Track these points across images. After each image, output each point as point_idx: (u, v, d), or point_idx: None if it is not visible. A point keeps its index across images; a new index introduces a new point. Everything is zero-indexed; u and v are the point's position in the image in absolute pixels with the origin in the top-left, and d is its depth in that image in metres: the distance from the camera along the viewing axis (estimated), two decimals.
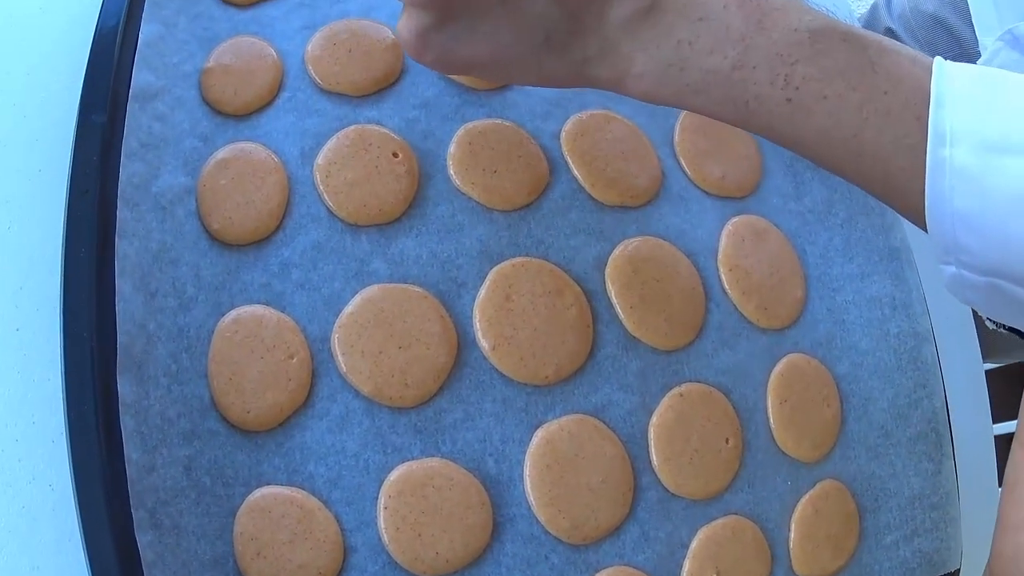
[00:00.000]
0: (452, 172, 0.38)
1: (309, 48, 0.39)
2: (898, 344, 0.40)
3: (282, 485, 0.32)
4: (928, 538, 0.39)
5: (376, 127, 0.38)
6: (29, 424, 0.33)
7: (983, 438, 0.42)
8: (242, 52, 0.38)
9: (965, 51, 0.59)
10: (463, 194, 0.37)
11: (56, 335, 0.31)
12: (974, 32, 0.56)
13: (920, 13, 0.63)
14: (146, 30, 0.37)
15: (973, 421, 0.42)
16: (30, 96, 0.38)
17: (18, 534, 0.31)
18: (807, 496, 0.38)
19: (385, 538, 0.32)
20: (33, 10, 0.40)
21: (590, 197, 0.39)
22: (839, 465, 0.39)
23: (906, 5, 0.65)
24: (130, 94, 0.35)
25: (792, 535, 0.37)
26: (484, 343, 0.35)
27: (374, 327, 0.34)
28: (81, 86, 0.35)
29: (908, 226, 0.42)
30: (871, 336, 0.40)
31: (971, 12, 0.56)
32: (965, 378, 0.43)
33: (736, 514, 0.36)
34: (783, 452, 0.38)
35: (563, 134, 0.40)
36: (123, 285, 0.32)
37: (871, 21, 0.68)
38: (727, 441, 0.37)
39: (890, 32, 0.65)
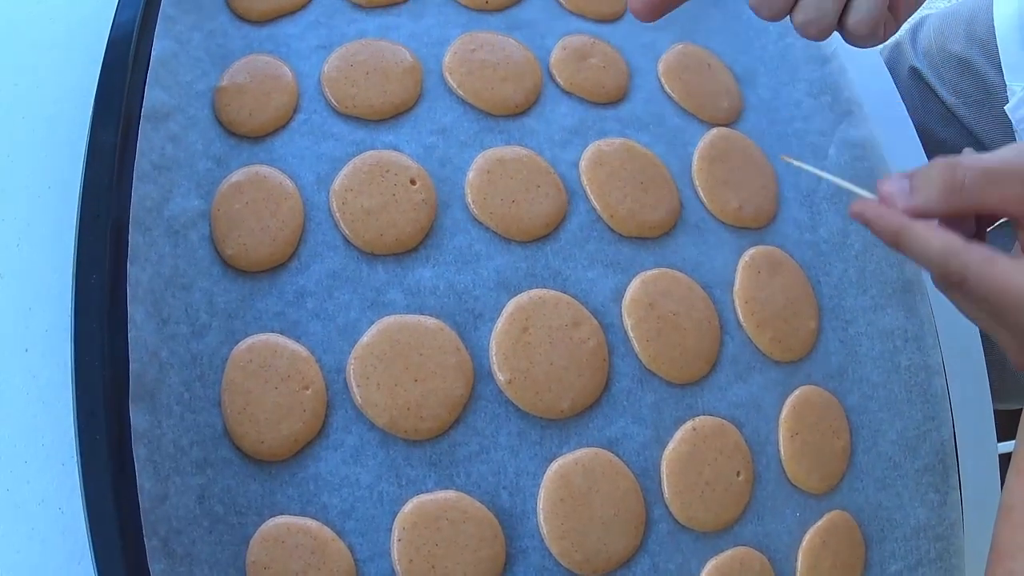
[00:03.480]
0: (470, 201, 0.37)
1: (325, 68, 0.38)
2: (909, 377, 0.40)
3: (295, 515, 0.32)
4: (932, 568, 0.39)
5: (393, 153, 0.37)
6: (38, 446, 0.32)
7: (989, 470, 0.43)
8: (257, 71, 0.37)
9: (991, 95, 0.56)
10: (481, 224, 0.37)
11: (66, 356, 0.31)
12: (1002, 76, 0.54)
13: (947, 53, 0.58)
14: (159, 47, 0.36)
15: (980, 453, 0.42)
16: (40, 109, 0.37)
17: (28, 556, 0.31)
18: (815, 527, 0.38)
19: (398, 569, 0.32)
20: (43, 20, 0.39)
21: (608, 227, 0.39)
22: (847, 496, 0.39)
23: (933, 43, 0.59)
24: (142, 114, 0.34)
25: (799, 566, 0.37)
26: (500, 376, 0.35)
27: (390, 359, 0.34)
28: (92, 103, 0.34)
29: None
30: (882, 368, 0.40)
31: (1000, 56, 0.54)
32: (973, 411, 0.43)
33: (745, 546, 0.36)
34: (793, 484, 0.38)
35: (582, 163, 0.39)
36: (135, 312, 0.31)
37: (894, 58, 0.62)
38: (738, 474, 0.37)
39: (915, 71, 0.60)
